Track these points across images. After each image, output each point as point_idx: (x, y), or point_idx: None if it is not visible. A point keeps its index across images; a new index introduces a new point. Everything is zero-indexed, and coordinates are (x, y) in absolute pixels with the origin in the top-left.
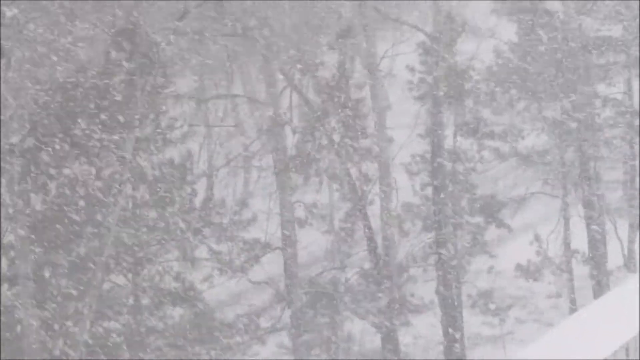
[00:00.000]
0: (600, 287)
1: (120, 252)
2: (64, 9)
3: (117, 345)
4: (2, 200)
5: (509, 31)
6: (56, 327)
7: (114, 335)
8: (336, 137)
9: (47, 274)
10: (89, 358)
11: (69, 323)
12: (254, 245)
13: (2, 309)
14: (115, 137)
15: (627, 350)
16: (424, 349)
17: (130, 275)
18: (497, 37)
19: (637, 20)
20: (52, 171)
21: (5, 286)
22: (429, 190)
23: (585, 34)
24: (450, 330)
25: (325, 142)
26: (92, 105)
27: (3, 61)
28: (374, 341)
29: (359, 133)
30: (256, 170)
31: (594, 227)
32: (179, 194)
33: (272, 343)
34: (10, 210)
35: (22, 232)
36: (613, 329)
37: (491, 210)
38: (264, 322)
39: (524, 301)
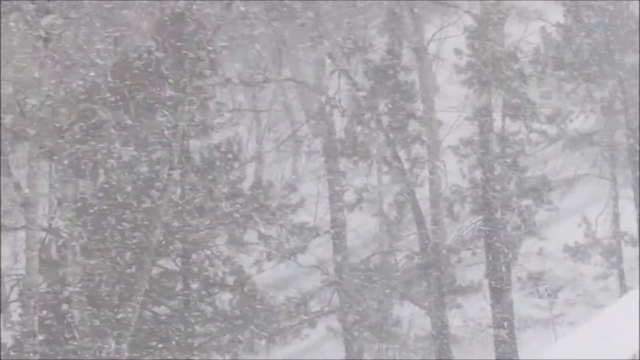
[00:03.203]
0: None
1: (170, 236)
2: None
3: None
4: (51, 185)
5: (556, 13)
6: (106, 313)
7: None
8: (385, 121)
9: (95, 260)
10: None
11: (119, 308)
12: (303, 229)
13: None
14: (162, 120)
15: None
16: (474, 331)
17: (179, 260)
18: (544, 19)
19: None
20: (100, 156)
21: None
22: (478, 173)
23: (634, 15)
24: (500, 312)
25: (374, 125)
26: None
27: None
28: (423, 324)
29: (408, 116)
30: (305, 154)
31: None
32: (227, 178)
33: (322, 326)
34: (59, 195)
35: (70, 218)
36: None
37: (540, 192)
38: (314, 306)
39: (574, 283)
